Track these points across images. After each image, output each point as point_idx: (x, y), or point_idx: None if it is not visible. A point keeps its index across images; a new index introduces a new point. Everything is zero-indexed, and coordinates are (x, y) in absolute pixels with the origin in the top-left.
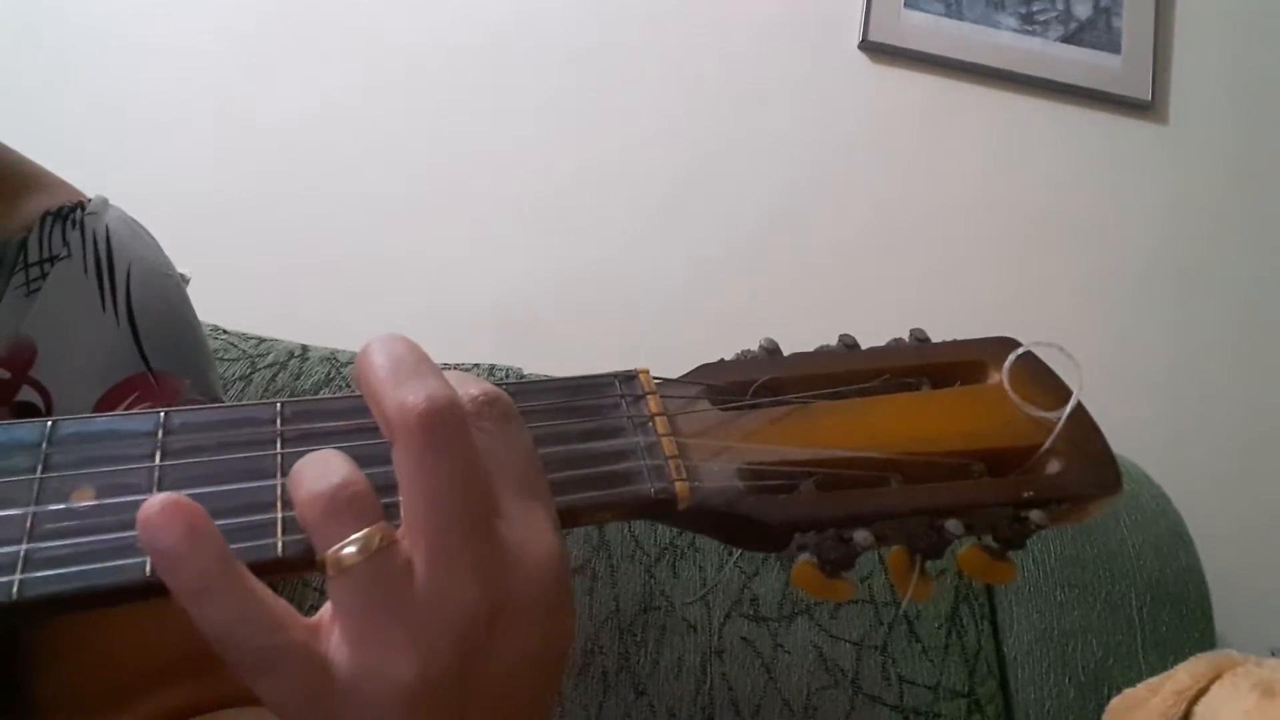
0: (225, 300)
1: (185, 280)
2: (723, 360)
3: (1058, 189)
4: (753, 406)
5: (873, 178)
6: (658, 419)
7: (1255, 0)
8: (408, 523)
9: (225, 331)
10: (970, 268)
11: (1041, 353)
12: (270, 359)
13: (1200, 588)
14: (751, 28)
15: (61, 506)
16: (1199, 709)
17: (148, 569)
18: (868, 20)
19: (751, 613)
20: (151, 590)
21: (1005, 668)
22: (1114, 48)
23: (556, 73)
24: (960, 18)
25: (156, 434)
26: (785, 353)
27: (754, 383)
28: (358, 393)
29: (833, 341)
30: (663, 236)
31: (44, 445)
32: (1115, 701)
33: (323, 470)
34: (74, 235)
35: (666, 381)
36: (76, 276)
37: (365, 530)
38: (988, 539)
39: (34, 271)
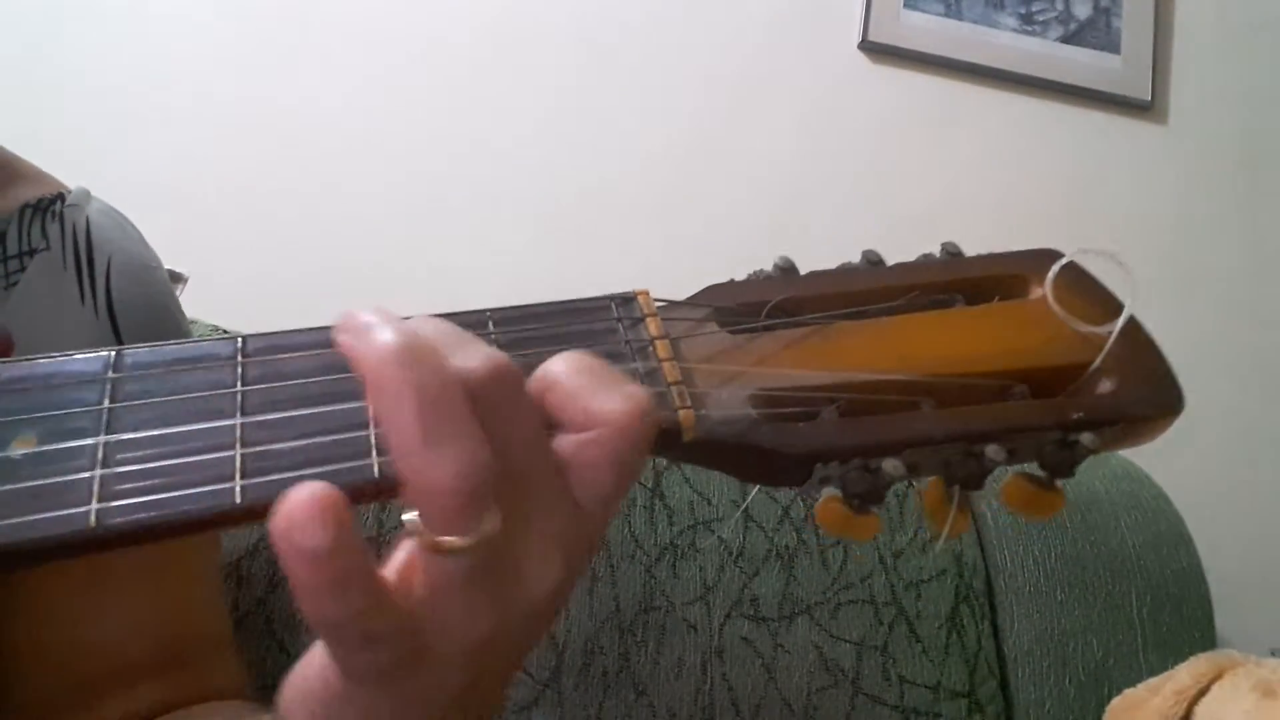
0: (225, 300)
1: (183, 280)
2: (733, 280)
3: (1058, 189)
4: (767, 329)
5: (872, 178)
6: (658, 343)
7: (1255, 1)
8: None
9: (225, 332)
10: None
11: (1090, 264)
12: None
13: (1200, 588)
14: (751, 28)
15: None
16: (1199, 709)
17: (91, 519)
18: (867, 20)
19: (752, 613)
20: (95, 543)
21: (1005, 668)
22: (1114, 48)
23: (556, 73)
24: (960, 18)
25: (106, 374)
26: (802, 271)
27: (768, 303)
28: (323, 326)
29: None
30: (664, 235)
31: None
32: (1116, 702)
33: (462, 449)
34: (53, 227)
35: (670, 304)
36: (55, 269)
37: (485, 522)
38: (1032, 467)
39: (13, 264)
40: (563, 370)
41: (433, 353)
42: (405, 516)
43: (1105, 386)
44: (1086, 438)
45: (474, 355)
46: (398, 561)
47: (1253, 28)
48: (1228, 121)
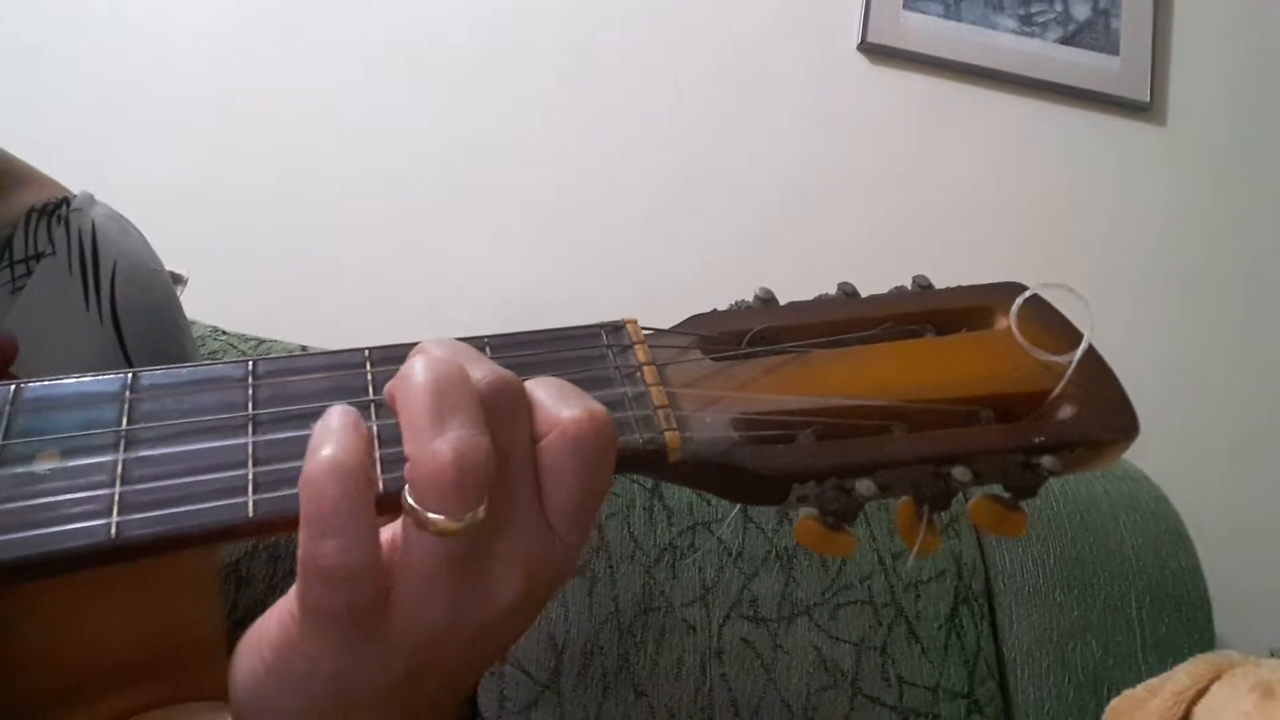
0: (225, 300)
1: (183, 280)
2: (716, 310)
3: (1057, 190)
4: (748, 356)
5: (872, 179)
6: (645, 368)
7: (1254, 1)
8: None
9: (225, 332)
10: (969, 269)
11: (1050, 296)
12: None
13: (1200, 588)
14: (751, 28)
15: (23, 470)
16: (1198, 710)
17: (112, 531)
18: (867, 21)
19: (751, 613)
20: (116, 554)
21: (1005, 668)
22: (1112, 49)
23: (556, 73)
24: (959, 19)
25: (124, 395)
26: (783, 301)
27: (749, 332)
28: (329, 350)
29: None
30: (663, 236)
31: (7, 409)
32: (1115, 702)
33: (464, 433)
34: (59, 232)
35: (656, 332)
36: (61, 274)
37: (474, 509)
38: (998, 488)
39: (19, 269)
40: (533, 386)
41: (453, 358)
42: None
43: (1066, 412)
44: (1048, 460)
45: (481, 368)
46: (383, 535)
47: (1252, 28)
48: (1227, 122)
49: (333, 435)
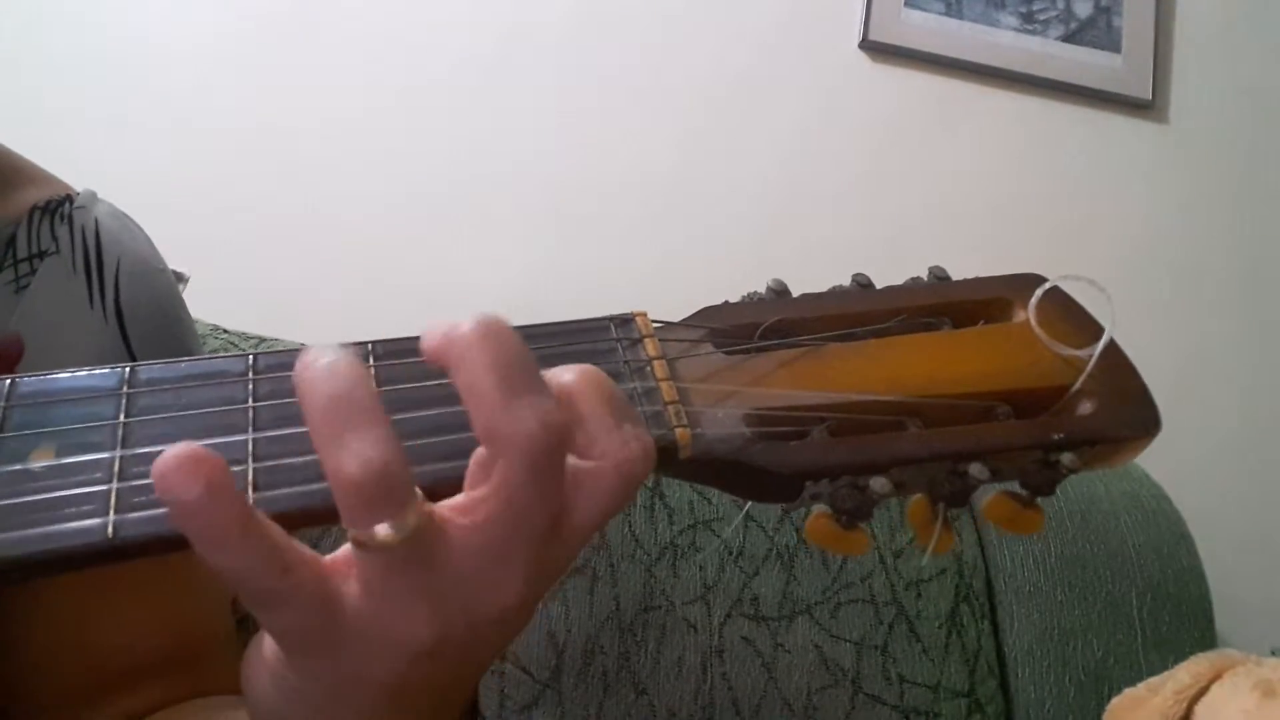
0: (225, 300)
1: (184, 280)
2: (727, 302)
3: (1058, 188)
4: (760, 350)
5: (872, 177)
6: (656, 363)
7: (1255, 1)
8: (478, 512)
9: (225, 331)
10: (969, 268)
11: (1071, 288)
12: None
13: (1200, 588)
14: (753, 27)
15: (18, 467)
16: (1199, 708)
17: (109, 530)
18: (868, 19)
19: (752, 612)
20: (113, 552)
21: (1005, 667)
22: (1114, 47)
23: (556, 72)
24: (960, 17)
25: (121, 390)
26: (795, 294)
27: (761, 325)
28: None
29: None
30: (665, 234)
31: (2, 404)
32: (1116, 701)
33: (364, 447)
34: (63, 230)
35: (667, 325)
36: (65, 272)
37: (402, 518)
38: (1014, 485)
39: (23, 267)
40: (582, 390)
41: (351, 366)
42: None
43: (1085, 408)
44: (1066, 458)
45: (536, 408)
46: (340, 551)
47: (1253, 27)
48: (1228, 121)
49: (174, 473)
